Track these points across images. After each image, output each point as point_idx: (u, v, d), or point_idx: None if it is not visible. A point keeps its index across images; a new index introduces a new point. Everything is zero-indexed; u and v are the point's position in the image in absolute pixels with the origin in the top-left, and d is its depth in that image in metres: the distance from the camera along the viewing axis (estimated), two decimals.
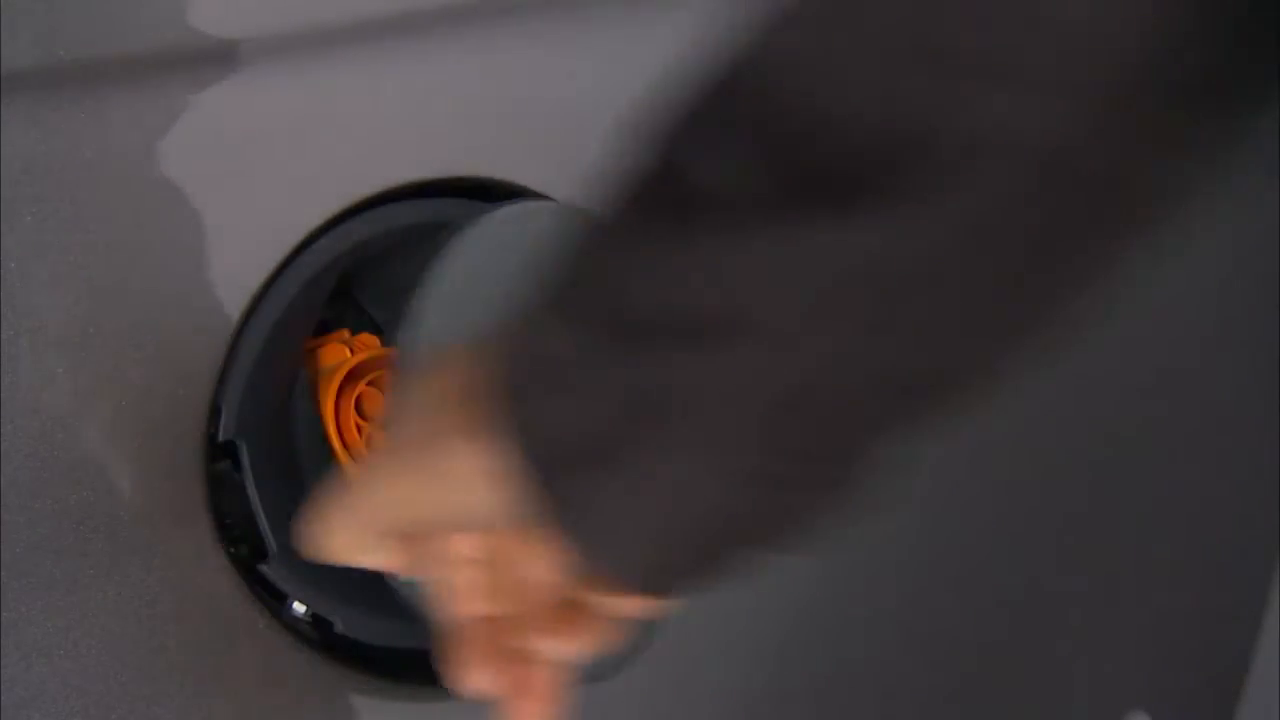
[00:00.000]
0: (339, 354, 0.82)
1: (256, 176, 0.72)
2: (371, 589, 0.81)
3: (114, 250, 0.69)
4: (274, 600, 0.77)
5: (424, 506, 0.55)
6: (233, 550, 0.74)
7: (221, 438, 0.75)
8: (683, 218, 0.47)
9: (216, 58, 0.71)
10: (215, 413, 0.74)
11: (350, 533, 0.58)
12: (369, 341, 0.85)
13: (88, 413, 0.69)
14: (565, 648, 0.57)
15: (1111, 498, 1.07)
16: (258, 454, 0.75)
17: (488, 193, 0.80)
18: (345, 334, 0.84)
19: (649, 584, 0.53)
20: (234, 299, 0.73)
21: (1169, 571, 1.19)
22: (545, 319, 0.50)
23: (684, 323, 0.47)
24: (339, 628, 0.79)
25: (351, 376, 0.83)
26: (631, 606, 0.57)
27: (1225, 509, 1.20)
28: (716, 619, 0.91)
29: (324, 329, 0.84)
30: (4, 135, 0.66)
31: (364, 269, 0.81)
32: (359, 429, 0.83)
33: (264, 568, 0.77)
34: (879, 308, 0.45)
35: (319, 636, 0.78)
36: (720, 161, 0.46)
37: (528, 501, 0.51)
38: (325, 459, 0.80)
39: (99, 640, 0.70)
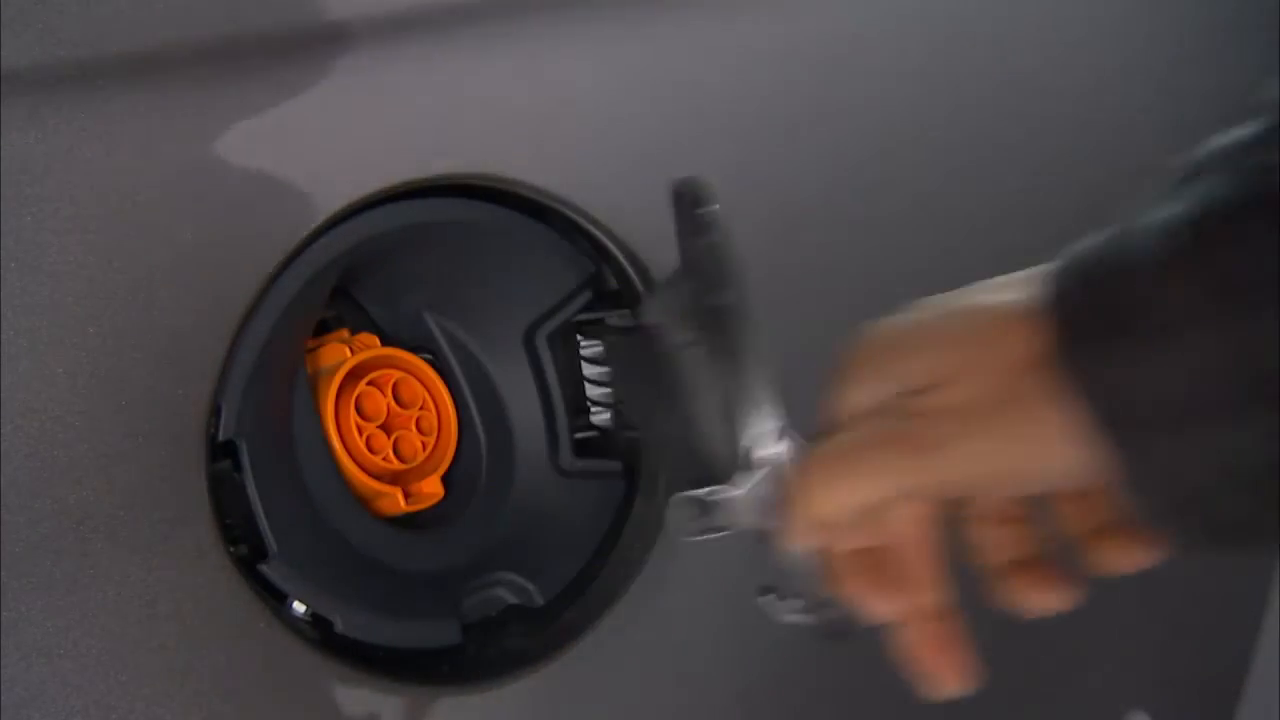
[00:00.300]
0: (339, 354, 0.83)
1: (256, 176, 0.72)
2: (371, 589, 0.81)
3: (114, 250, 0.69)
4: (274, 600, 0.77)
5: (998, 464, 0.54)
6: (233, 550, 0.74)
7: (221, 437, 0.75)
8: None
9: (216, 58, 0.71)
10: (215, 412, 0.74)
11: (881, 478, 0.57)
12: (369, 341, 0.85)
13: (88, 413, 0.69)
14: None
15: None
16: (258, 454, 0.75)
17: (488, 193, 0.80)
18: (345, 334, 0.84)
19: (1200, 540, 0.53)
20: (234, 299, 0.73)
21: (1169, 572, 1.19)
22: (1131, 271, 0.50)
23: None
24: (339, 628, 0.79)
25: (351, 376, 0.83)
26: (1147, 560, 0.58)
27: None
28: (717, 617, 0.91)
29: (324, 329, 0.84)
30: (4, 135, 0.66)
31: (364, 269, 0.81)
32: (359, 429, 0.83)
33: (264, 567, 0.77)
34: None
35: (319, 636, 0.78)
36: None
37: (1106, 460, 0.51)
38: (325, 459, 0.80)
39: (99, 640, 0.70)
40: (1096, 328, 0.51)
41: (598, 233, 0.83)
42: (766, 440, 0.61)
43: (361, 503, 0.82)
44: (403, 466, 0.84)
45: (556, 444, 0.86)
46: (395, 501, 0.82)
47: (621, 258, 0.84)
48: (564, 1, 0.82)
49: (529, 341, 0.86)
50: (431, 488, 0.85)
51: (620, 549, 0.86)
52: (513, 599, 0.84)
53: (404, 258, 0.82)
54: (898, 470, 0.56)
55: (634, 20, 0.84)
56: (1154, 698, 1.16)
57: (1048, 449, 0.53)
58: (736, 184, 0.85)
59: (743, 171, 0.86)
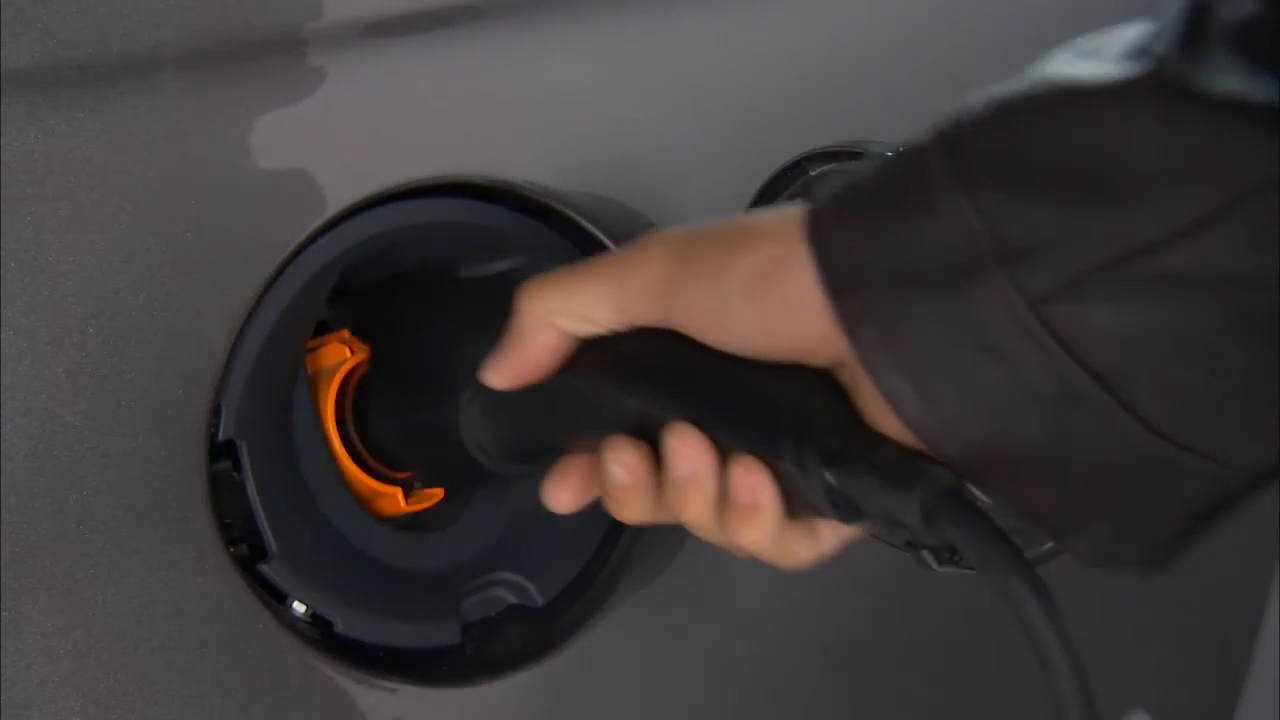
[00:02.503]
0: (339, 354, 0.82)
1: (256, 176, 0.72)
2: (371, 589, 0.81)
3: (114, 250, 0.69)
4: (274, 600, 0.77)
5: (716, 307, 0.57)
6: (233, 550, 0.74)
7: (221, 437, 0.75)
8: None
9: (216, 58, 0.71)
10: (215, 412, 0.73)
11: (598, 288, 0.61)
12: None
13: (88, 413, 0.69)
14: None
15: None
16: (258, 454, 0.75)
17: (488, 193, 0.80)
18: (345, 334, 0.84)
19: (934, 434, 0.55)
20: (234, 299, 0.73)
21: (1169, 571, 1.19)
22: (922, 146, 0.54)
23: (1097, 188, 0.50)
24: (339, 628, 0.79)
25: (351, 376, 0.83)
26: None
27: None
28: (717, 617, 0.91)
29: (324, 329, 0.84)
30: (4, 135, 0.66)
31: (364, 269, 0.81)
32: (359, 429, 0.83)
33: (264, 567, 0.77)
34: None
35: (319, 636, 0.78)
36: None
37: (841, 317, 0.54)
38: (325, 459, 0.80)
39: (99, 640, 0.70)
40: (846, 202, 0.55)
41: (598, 233, 0.83)
42: None
43: (361, 503, 0.81)
44: None
45: None
46: (395, 501, 0.82)
47: None
48: (564, 1, 0.82)
49: None
50: (431, 488, 0.85)
51: (620, 549, 0.86)
52: (512, 599, 0.84)
53: (404, 258, 0.82)
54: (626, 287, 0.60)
55: (635, 20, 0.84)
56: (1154, 698, 1.16)
57: (785, 304, 0.56)
58: (738, 184, 0.85)
59: (744, 172, 0.86)
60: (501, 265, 0.80)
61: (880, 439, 0.56)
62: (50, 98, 0.67)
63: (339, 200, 0.75)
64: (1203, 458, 0.53)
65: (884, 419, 0.56)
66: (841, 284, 0.54)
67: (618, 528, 0.86)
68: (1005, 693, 1.00)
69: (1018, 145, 0.52)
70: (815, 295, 0.55)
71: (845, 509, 0.57)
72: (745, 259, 0.57)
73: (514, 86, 0.80)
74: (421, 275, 0.79)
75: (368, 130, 0.75)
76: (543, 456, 0.68)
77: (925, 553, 0.68)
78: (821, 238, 0.55)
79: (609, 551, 0.86)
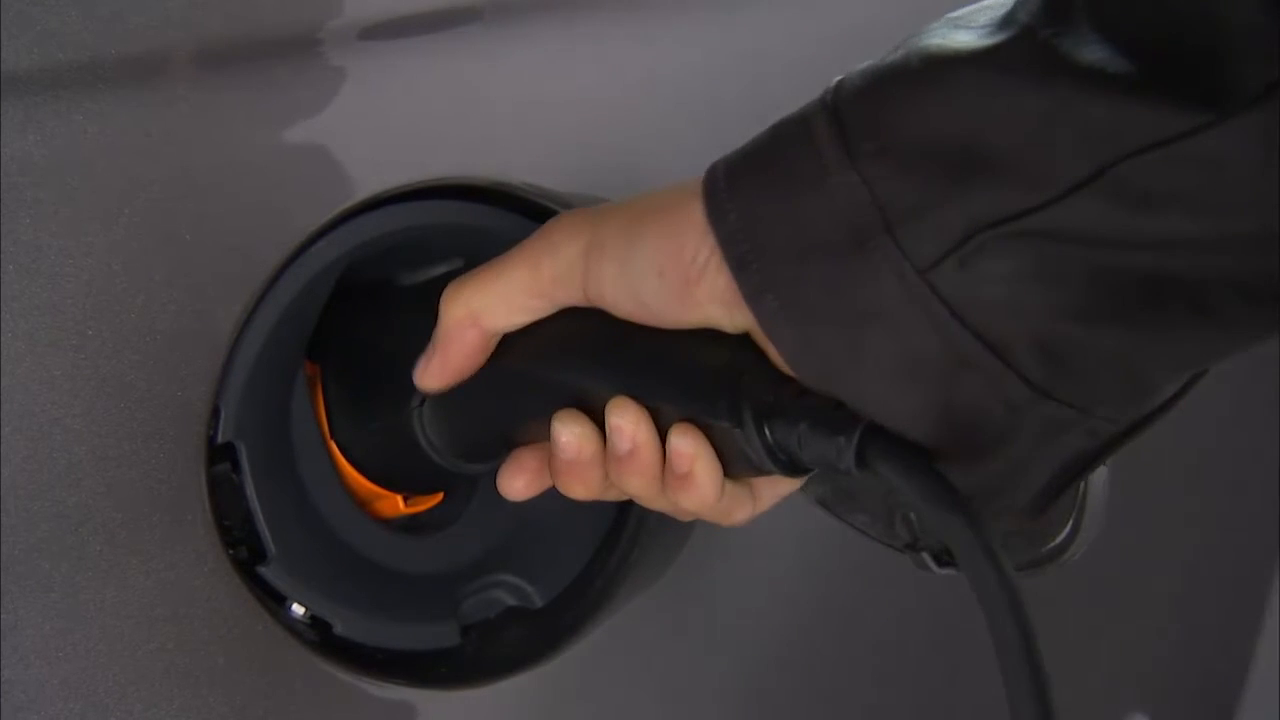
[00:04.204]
0: None
1: (257, 177, 0.72)
2: (370, 591, 0.81)
3: (114, 250, 0.69)
4: (273, 602, 0.77)
5: (627, 278, 0.60)
6: (231, 552, 0.74)
7: (220, 439, 0.74)
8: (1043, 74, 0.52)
9: (216, 58, 0.71)
10: (214, 414, 0.73)
11: (522, 274, 0.63)
12: None
13: (88, 413, 0.69)
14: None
15: (1110, 498, 1.07)
16: (257, 456, 0.75)
17: (487, 193, 0.80)
18: None
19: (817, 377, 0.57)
20: (234, 299, 0.73)
21: (1169, 572, 1.19)
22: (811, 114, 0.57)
23: (975, 155, 0.52)
24: (338, 629, 0.79)
25: None
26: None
27: (1225, 509, 1.20)
28: (717, 618, 0.91)
29: None
30: (4, 135, 0.65)
31: (364, 269, 0.81)
32: None
33: (263, 570, 0.77)
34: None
35: (318, 638, 0.78)
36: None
37: (742, 289, 0.56)
38: (325, 459, 0.80)
39: (98, 641, 0.70)
40: (738, 174, 0.57)
41: None
42: None
43: (360, 505, 0.81)
44: None
45: None
46: (394, 503, 0.82)
47: None
48: (565, 2, 0.81)
49: None
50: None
51: (620, 549, 0.86)
52: (512, 601, 0.84)
53: (403, 258, 0.82)
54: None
55: (635, 20, 0.84)
56: (1154, 698, 1.16)
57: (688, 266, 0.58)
58: None
59: None
60: (441, 269, 0.80)
61: (808, 390, 0.58)
62: (50, 99, 0.67)
63: (339, 201, 0.75)
64: (1077, 410, 0.56)
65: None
66: (740, 257, 0.57)
67: (617, 530, 0.86)
68: (1005, 692, 1.00)
69: (899, 115, 0.54)
70: (719, 268, 0.57)
71: (784, 461, 0.59)
72: (650, 237, 0.59)
73: (514, 88, 0.80)
74: (361, 287, 0.80)
75: (368, 131, 0.75)
76: (496, 451, 0.69)
77: (924, 554, 0.68)
78: (719, 213, 0.57)
79: (608, 554, 0.86)
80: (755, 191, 0.57)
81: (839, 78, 0.58)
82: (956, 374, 0.55)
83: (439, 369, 0.67)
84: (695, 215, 0.58)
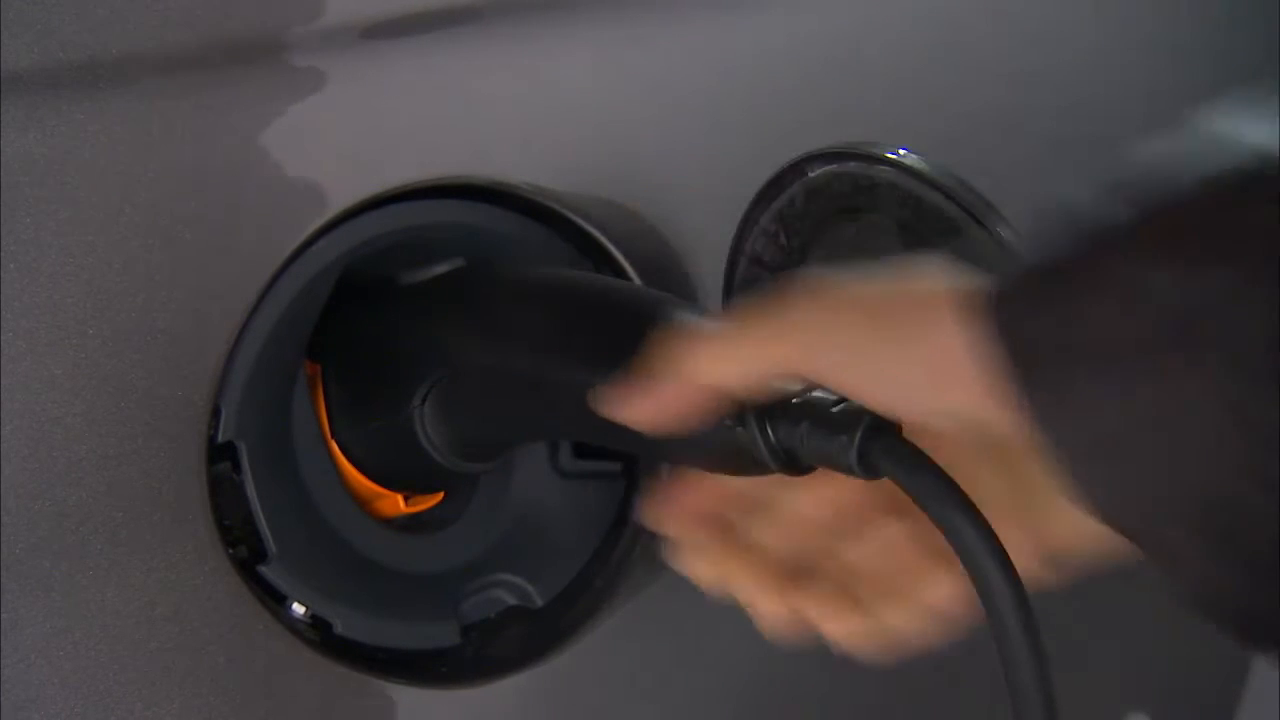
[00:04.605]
0: None
1: (256, 177, 0.72)
2: (371, 590, 0.81)
3: (114, 250, 0.69)
4: (273, 602, 0.77)
5: (877, 365, 0.54)
6: (232, 551, 0.74)
7: (221, 439, 0.75)
8: None
9: (216, 58, 0.71)
10: (215, 414, 0.73)
11: (744, 352, 0.58)
12: None
13: (88, 413, 0.69)
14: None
15: None
16: (257, 455, 0.75)
17: (488, 194, 0.80)
18: None
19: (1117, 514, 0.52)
20: (234, 299, 0.73)
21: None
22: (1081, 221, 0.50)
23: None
24: (339, 628, 0.79)
25: None
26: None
27: None
28: (717, 619, 0.91)
29: None
30: (4, 135, 0.65)
31: (364, 268, 0.81)
32: None
33: (263, 569, 0.77)
34: None
35: (318, 638, 0.78)
36: None
37: (1008, 397, 0.50)
38: (325, 459, 0.80)
39: (99, 641, 0.70)
40: (1028, 287, 0.51)
41: (598, 233, 0.83)
42: None
43: (361, 504, 0.82)
44: None
45: (556, 444, 0.86)
46: (395, 503, 0.82)
47: (621, 258, 0.84)
48: (564, 1, 0.82)
49: None
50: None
51: (620, 549, 0.86)
52: (512, 600, 0.85)
53: (404, 258, 0.82)
54: (784, 344, 0.57)
55: (635, 20, 0.84)
56: (1154, 698, 1.16)
57: (948, 372, 0.52)
58: (737, 186, 0.85)
59: (743, 173, 0.86)
60: (441, 268, 0.80)
61: (811, 391, 0.58)
62: (50, 99, 0.67)
63: (339, 201, 0.75)
64: None
65: (1050, 497, 0.55)
66: (1026, 365, 0.51)
67: (617, 529, 0.86)
68: (1005, 692, 1.00)
69: (1237, 228, 0.48)
70: (992, 378, 0.52)
71: (786, 461, 0.59)
72: (924, 339, 0.54)
73: (514, 88, 0.80)
74: (361, 287, 0.80)
75: (368, 131, 0.75)
76: (497, 450, 0.69)
77: None
78: (1011, 325, 0.51)
79: (609, 553, 0.86)
80: (1045, 300, 0.51)
81: (1150, 176, 0.52)
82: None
83: (644, 411, 0.62)
84: (973, 324, 0.52)
